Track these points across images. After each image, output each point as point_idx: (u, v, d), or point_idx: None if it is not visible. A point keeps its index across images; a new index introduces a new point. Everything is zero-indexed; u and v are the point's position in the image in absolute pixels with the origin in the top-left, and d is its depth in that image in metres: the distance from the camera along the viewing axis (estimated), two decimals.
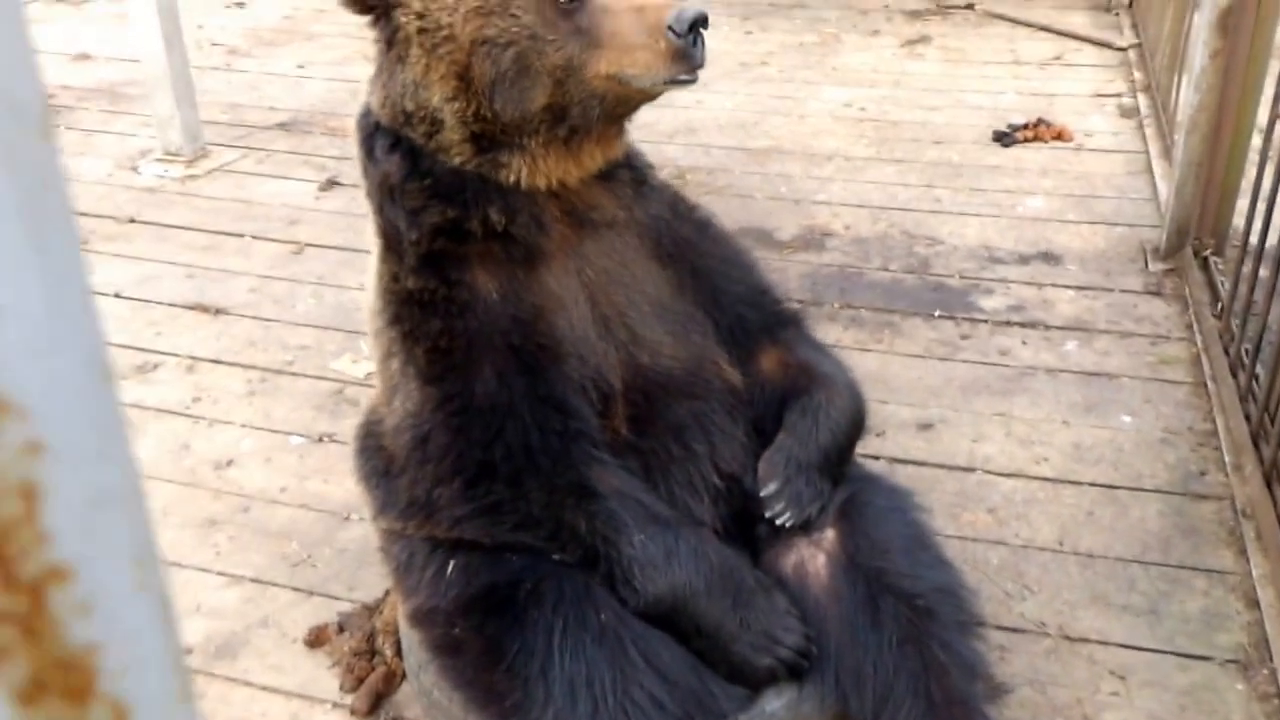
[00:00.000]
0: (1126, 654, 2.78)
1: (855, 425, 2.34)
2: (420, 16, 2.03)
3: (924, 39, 7.77)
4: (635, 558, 2.04)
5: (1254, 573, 2.96)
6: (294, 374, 3.91)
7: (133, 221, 5.09)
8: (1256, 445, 3.30)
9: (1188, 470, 3.38)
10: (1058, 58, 7.30)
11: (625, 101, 2.10)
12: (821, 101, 6.57)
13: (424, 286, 2.11)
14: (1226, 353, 3.76)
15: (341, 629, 2.88)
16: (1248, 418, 3.42)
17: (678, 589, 2.04)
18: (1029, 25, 7.98)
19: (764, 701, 2.12)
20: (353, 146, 2.25)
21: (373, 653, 2.78)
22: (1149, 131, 5.89)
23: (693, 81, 2.07)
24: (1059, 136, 5.90)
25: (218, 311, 4.31)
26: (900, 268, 4.60)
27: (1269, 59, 4.22)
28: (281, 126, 6.24)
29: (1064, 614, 2.89)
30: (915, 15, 8.34)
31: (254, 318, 4.28)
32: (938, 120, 6.24)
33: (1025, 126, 5.99)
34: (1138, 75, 6.77)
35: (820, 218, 5.06)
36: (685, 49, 2.01)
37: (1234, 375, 3.63)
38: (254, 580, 3.06)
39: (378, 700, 2.67)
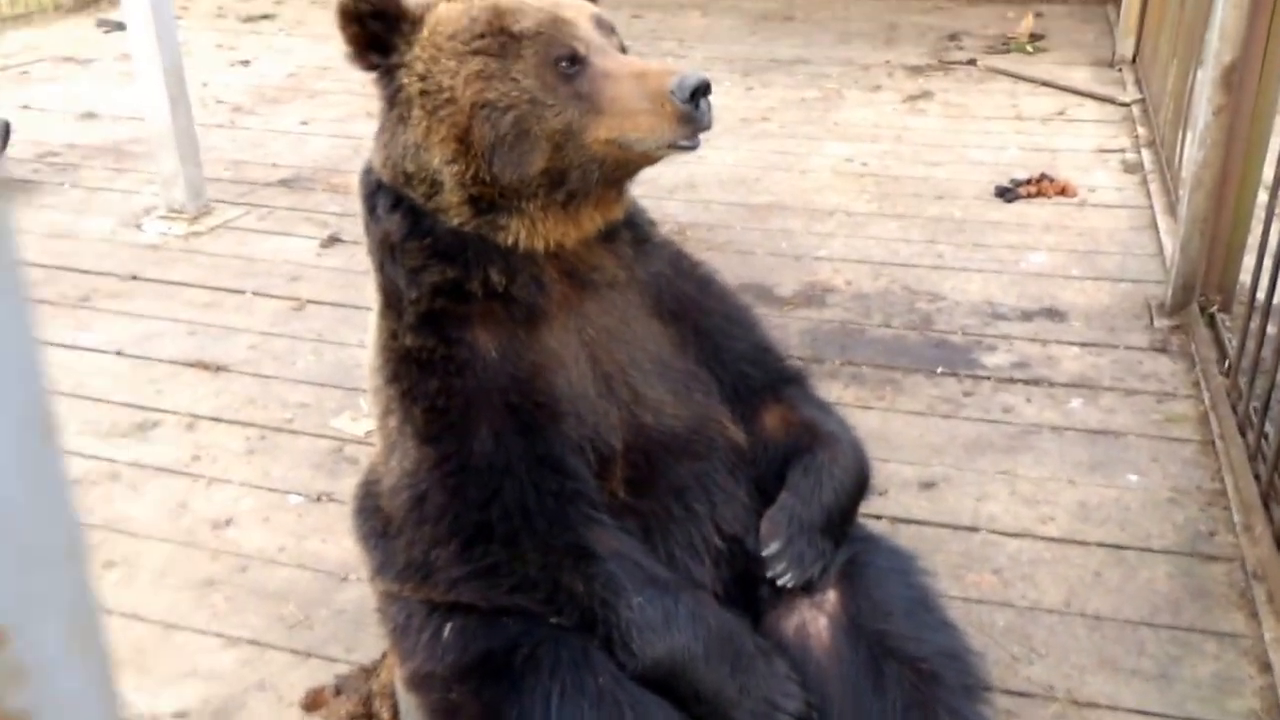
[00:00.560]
0: (1137, 719, 2.72)
1: (859, 485, 2.30)
2: (423, 78, 2.03)
3: (926, 94, 7.81)
4: (633, 621, 2.00)
5: (1266, 636, 2.91)
6: (293, 432, 3.89)
7: (135, 279, 5.09)
8: (1266, 506, 3.26)
9: (1197, 531, 3.34)
10: (1060, 113, 7.33)
11: (625, 166, 2.09)
12: (823, 157, 6.59)
13: (423, 345, 2.09)
14: (1234, 411, 3.73)
15: (339, 691, 2.83)
16: (1257, 477, 3.38)
17: (676, 653, 2.00)
18: (1031, 81, 8.02)
19: None
20: (355, 203, 2.24)
21: (370, 716, 2.73)
22: (1153, 187, 5.89)
23: (694, 147, 2.06)
24: (1062, 192, 5.90)
25: (218, 369, 4.30)
26: (902, 324, 4.58)
27: (1274, 115, 4.22)
28: (284, 183, 6.26)
29: (1072, 678, 2.84)
30: (917, 71, 8.39)
31: (254, 375, 4.26)
32: (940, 175, 6.25)
33: (1028, 182, 5.99)
34: (1141, 131, 6.79)
35: (821, 274, 5.05)
36: (689, 113, 2.00)
37: (1242, 434, 3.60)
38: (251, 642, 3.01)
39: None
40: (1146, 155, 6.37)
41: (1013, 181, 6.01)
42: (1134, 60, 8.15)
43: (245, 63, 8.91)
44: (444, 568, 2.08)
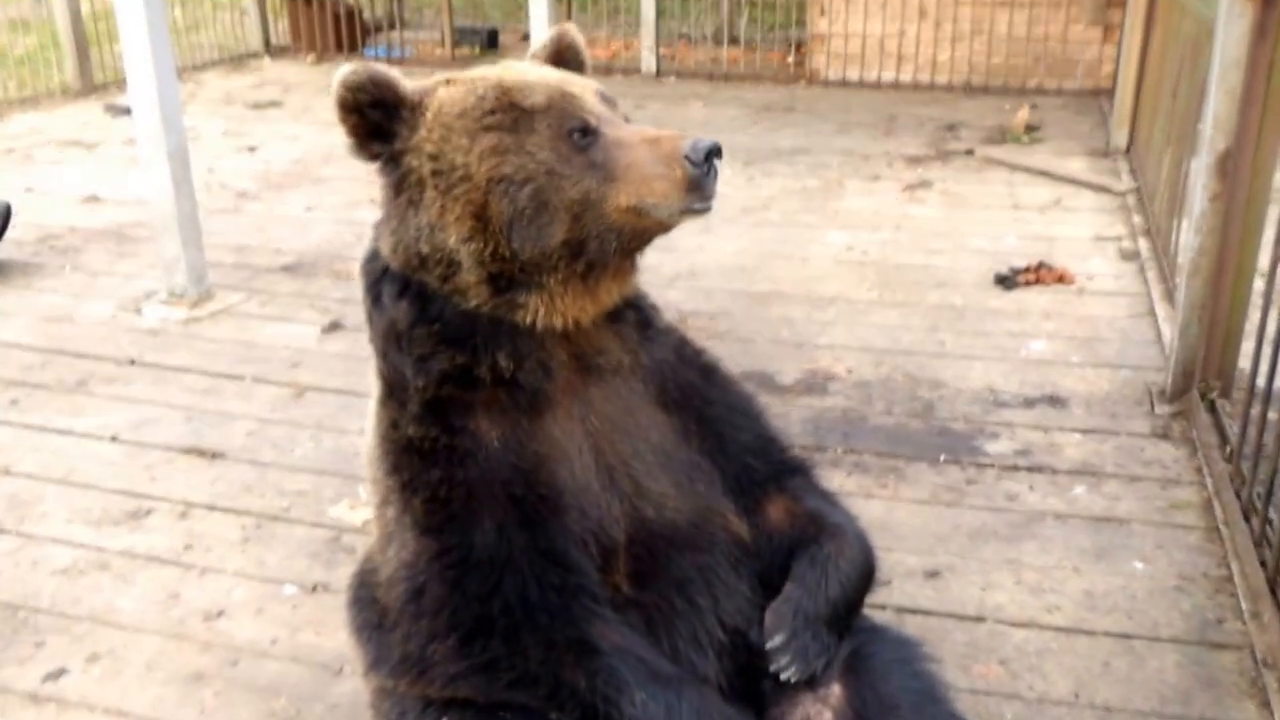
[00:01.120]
0: None
1: (865, 577, 2.27)
2: (434, 158, 2.02)
3: (925, 184, 7.88)
4: (636, 717, 1.96)
5: None
6: (290, 520, 3.85)
7: (133, 363, 5.08)
8: (1274, 592, 3.23)
9: (1204, 618, 3.29)
10: (1057, 202, 7.38)
11: (642, 234, 2.08)
12: (824, 245, 6.62)
13: (425, 434, 2.07)
14: (1238, 497, 3.70)
15: None
16: (1263, 563, 3.35)
17: None
18: (1028, 170, 8.10)
19: None
20: (358, 291, 2.23)
21: None
22: (1150, 274, 5.92)
23: (707, 210, 2.06)
24: (1061, 279, 5.93)
25: (215, 455, 4.27)
26: (904, 412, 4.56)
27: (1268, 202, 4.25)
28: (287, 269, 6.28)
29: None
30: (916, 160, 8.47)
31: (251, 462, 4.23)
32: (940, 263, 6.27)
33: (1027, 270, 6.02)
34: (1137, 219, 6.84)
35: (823, 361, 5.05)
36: (699, 178, 2.00)
37: (1246, 520, 3.57)
38: None
39: None
40: (1143, 243, 6.41)
41: (1012, 269, 6.03)
42: (1128, 150, 8.25)
43: (252, 148, 9.01)
44: (441, 662, 2.04)
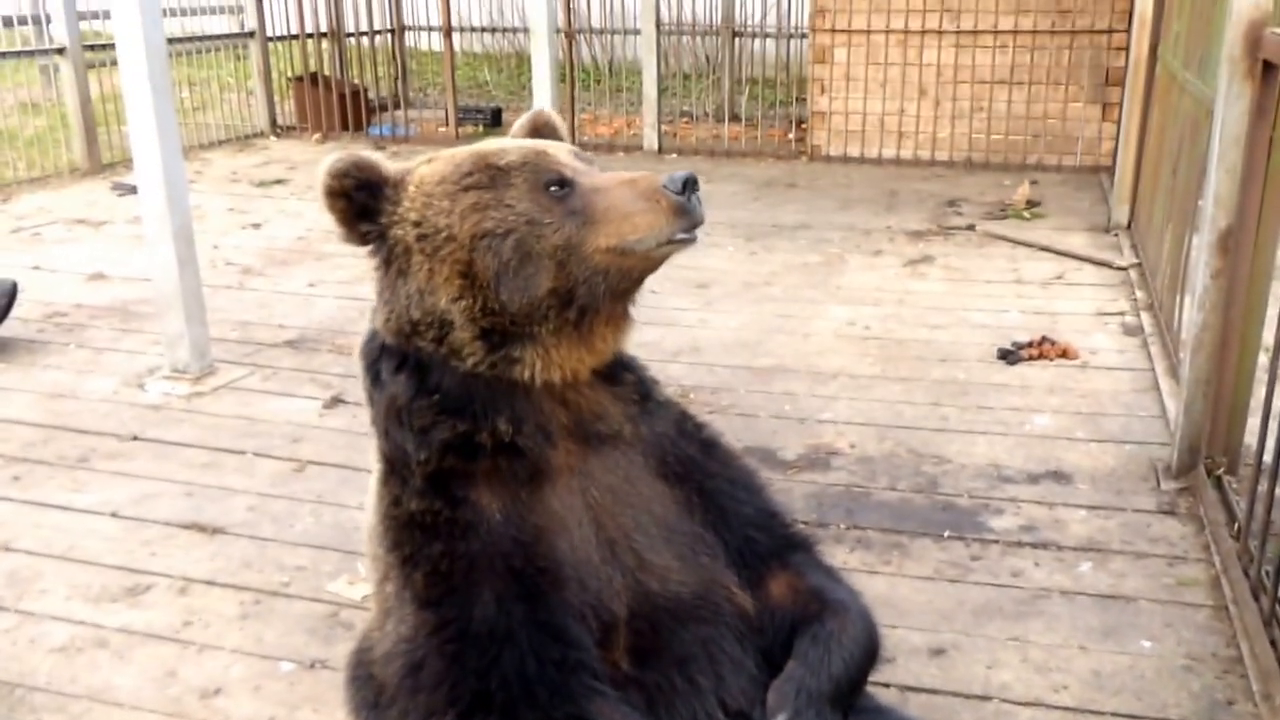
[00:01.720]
0: None
1: (868, 655, 2.24)
2: (418, 225, 2.07)
3: (926, 259, 7.92)
4: None
5: None
6: (289, 596, 3.81)
7: (135, 439, 5.07)
8: None
9: (1214, 699, 3.24)
10: (1059, 277, 7.41)
11: (629, 274, 2.10)
12: (826, 320, 6.64)
13: (427, 508, 2.07)
14: (1246, 575, 3.66)
15: None
16: (1273, 643, 3.30)
17: None
18: (1029, 245, 8.14)
19: None
20: (358, 374, 2.25)
21: None
22: (1154, 349, 5.92)
23: (692, 241, 2.08)
24: (1064, 354, 5.93)
25: (214, 531, 4.24)
26: (908, 487, 4.54)
27: (1271, 279, 4.25)
28: (289, 344, 6.29)
29: None
30: (917, 235, 8.52)
31: (251, 537, 4.20)
32: (942, 338, 6.28)
33: (1030, 344, 6.02)
34: (1139, 294, 6.86)
35: (825, 437, 5.03)
36: (683, 204, 2.04)
37: (1255, 599, 3.53)
38: None
39: None
40: (1146, 318, 6.42)
41: (1015, 344, 6.04)
42: (1129, 226, 8.30)
43: (256, 225, 9.08)
44: None
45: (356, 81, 13.52)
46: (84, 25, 11.34)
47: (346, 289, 7.19)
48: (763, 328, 6.52)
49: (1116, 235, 8.27)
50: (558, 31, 10.59)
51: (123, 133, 9.96)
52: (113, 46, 5.56)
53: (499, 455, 2.08)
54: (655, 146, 12.08)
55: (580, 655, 2.02)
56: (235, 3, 13.74)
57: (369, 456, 2.23)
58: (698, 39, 15.47)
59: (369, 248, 2.16)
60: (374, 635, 2.24)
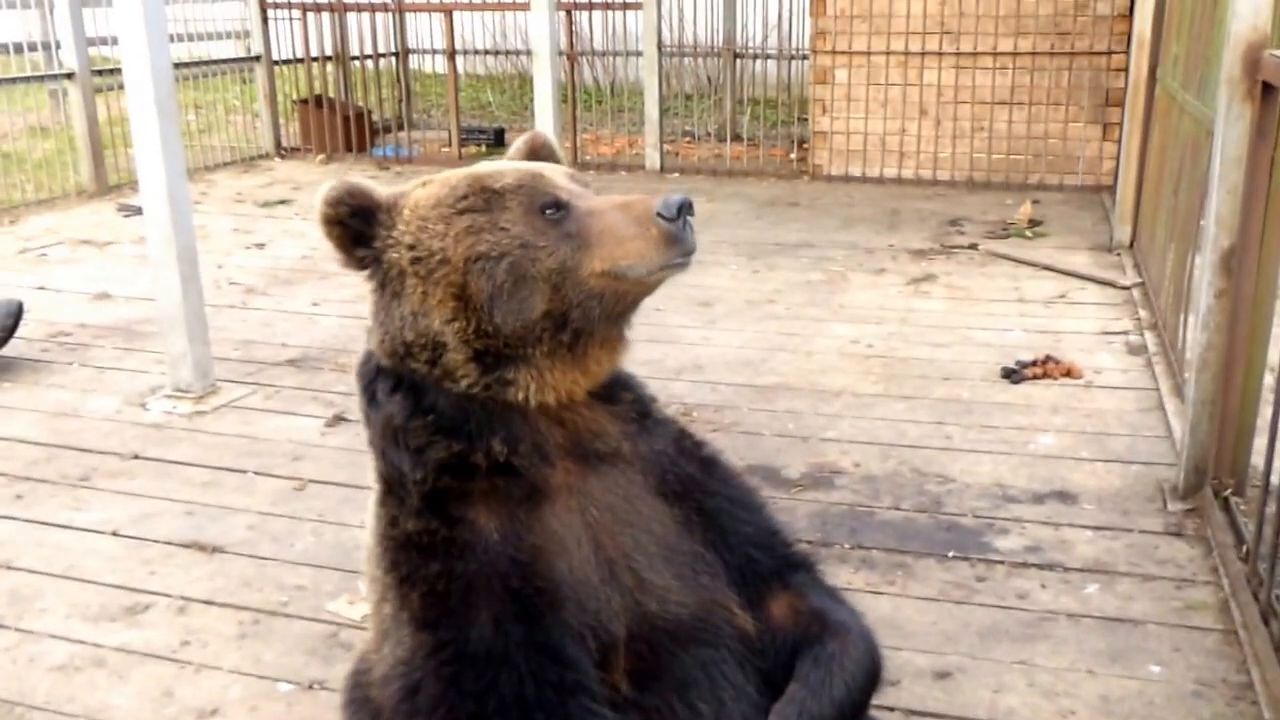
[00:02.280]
0: None
1: (871, 677, 2.21)
2: (412, 248, 2.06)
3: (929, 277, 7.90)
4: None
5: None
6: (288, 616, 3.79)
7: (136, 458, 5.05)
8: None
9: None
10: (1062, 296, 7.40)
11: (623, 298, 2.09)
12: (829, 338, 6.62)
13: (424, 528, 2.05)
14: (1256, 599, 3.62)
15: None
16: None
17: None
18: (1032, 264, 8.13)
19: None
20: (355, 396, 2.25)
21: None
22: (1158, 369, 5.89)
23: (685, 266, 2.08)
24: (1068, 373, 5.90)
25: (214, 550, 4.22)
26: (912, 506, 4.51)
27: (1275, 297, 4.23)
28: (292, 363, 6.29)
29: None
30: (920, 254, 8.51)
31: (251, 556, 4.18)
32: (945, 357, 6.26)
33: (1033, 363, 6.00)
34: (1143, 313, 6.84)
35: (829, 455, 5.01)
36: (675, 232, 2.03)
37: (1266, 623, 3.48)
38: None
39: None
40: (1149, 337, 6.40)
41: (1018, 363, 6.02)
42: (1131, 245, 8.29)
43: (260, 245, 9.09)
44: None
45: (361, 104, 13.55)
46: (93, 50, 11.39)
47: (350, 308, 7.19)
48: (766, 346, 6.50)
49: (1119, 254, 8.26)
50: (560, 54, 10.63)
51: (129, 155, 9.97)
52: (120, 71, 5.57)
53: (496, 475, 2.06)
54: (658, 166, 12.09)
55: (579, 677, 1.99)
56: (242, 28, 13.81)
57: (369, 476, 2.21)
58: (699, 60, 15.51)
59: (365, 274, 2.15)
60: (371, 657, 2.22)
